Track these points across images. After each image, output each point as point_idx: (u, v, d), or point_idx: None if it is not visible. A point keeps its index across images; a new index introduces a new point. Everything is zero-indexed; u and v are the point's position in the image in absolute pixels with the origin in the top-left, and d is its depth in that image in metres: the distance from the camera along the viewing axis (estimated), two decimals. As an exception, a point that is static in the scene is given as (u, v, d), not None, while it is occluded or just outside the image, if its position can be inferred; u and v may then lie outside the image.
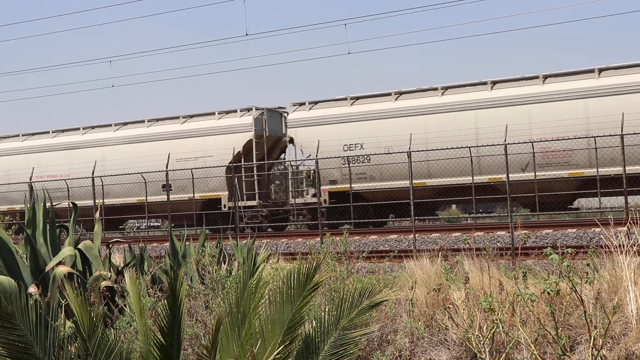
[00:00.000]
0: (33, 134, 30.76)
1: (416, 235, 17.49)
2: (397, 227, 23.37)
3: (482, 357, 6.79)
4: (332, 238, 10.03)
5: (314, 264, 4.34)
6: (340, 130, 23.83)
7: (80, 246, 7.75)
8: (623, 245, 7.97)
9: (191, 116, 27.32)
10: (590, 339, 6.28)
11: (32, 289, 6.77)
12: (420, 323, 7.78)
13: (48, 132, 30.28)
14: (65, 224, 8.29)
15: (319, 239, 17.88)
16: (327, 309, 4.52)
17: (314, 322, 4.43)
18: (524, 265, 9.66)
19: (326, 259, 8.57)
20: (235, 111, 26.38)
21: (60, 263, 7.21)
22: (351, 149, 23.68)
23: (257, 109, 25.95)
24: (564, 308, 7.03)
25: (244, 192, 25.06)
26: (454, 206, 33.82)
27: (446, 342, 7.58)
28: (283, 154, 27.81)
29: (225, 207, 25.25)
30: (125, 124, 28.88)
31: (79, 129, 29.53)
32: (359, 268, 9.99)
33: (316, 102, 25.27)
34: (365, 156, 23.11)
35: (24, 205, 24.18)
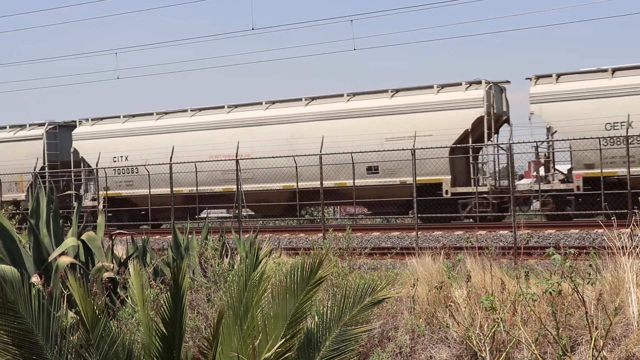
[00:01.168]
0: (203, 110, 26.96)
1: (419, 232, 17.48)
2: (399, 224, 23.35)
3: (483, 355, 6.79)
4: (335, 234, 10.02)
5: (318, 259, 4.34)
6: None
7: (83, 237, 7.77)
8: (626, 247, 7.97)
9: (398, 90, 23.92)
10: (591, 339, 6.28)
11: (35, 279, 6.79)
12: (421, 320, 7.79)
13: (223, 107, 26.31)
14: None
15: (321, 234, 17.89)
16: (329, 305, 4.53)
17: (316, 317, 4.43)
18: (526, 264, 9.67)
19: (329, 254, 8.58)
20: (459, 84, 23.28)
21: (63, 253, 7.23)
22: (615, 127, 20.22)
23: (486, 82, 22.96)
24: (565, 308, 7.03)
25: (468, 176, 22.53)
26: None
27: (447, 340, 7.59)
28: (496, 134, 24.29)
29: (447, 193, 22.29)
30: (313, 98, 25.19)
31: (261, 103, 25.78)
32: (361, 264, 10.00)
33: (565, 74, 21.80)
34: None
35: (192, 188, 24.07)
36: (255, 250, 4.59)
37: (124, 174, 26.81)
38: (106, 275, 7.33)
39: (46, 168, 27.84)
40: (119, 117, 27.92)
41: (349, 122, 23.55)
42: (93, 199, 26.72)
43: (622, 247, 7.98)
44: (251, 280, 4.28)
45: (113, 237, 8.53)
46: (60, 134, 29.37)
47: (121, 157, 26.94)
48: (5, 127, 30.03)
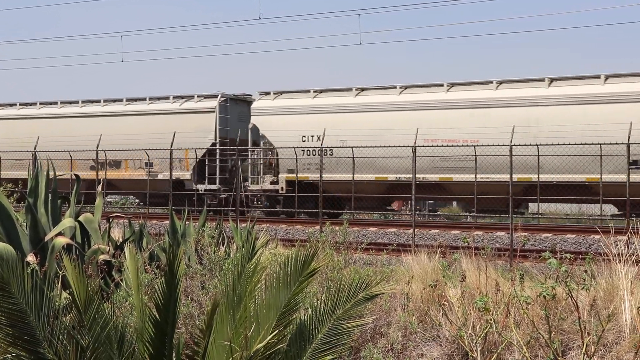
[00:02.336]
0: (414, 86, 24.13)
1: (415, 230, 17.50)
2: (396, 221, 23.38)
3: (474, 355, 6.80)
4: (332, 227, 10.03)
5: (312, 251, 4.34)
6: None
7: (80, 218, 7.77)
8: (622, 254, 7.98)
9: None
10: (583, 345, 6.29)
11: (30, 258, 6.79)
12: (414, 318, 7.80)
13: (442, 85, 23.44)
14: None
15: (318, 227, 17.89)
16: (322, 298, 4.53)
17: (309, 310, 4.44)
18: (522, 267, 9.68)
19: (324, 247, 8.58)
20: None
21: (59, 234, 7.22)
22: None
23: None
24: (558, 313, 7.04)
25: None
26: (454, 203, 33.42)
27: (439, 339, 7.60)
28: None
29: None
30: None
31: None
32: (357, 259, 10.00)
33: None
34: None
35: (399, 175, 21.94)
36: (252, 240, 4.58)
37: (313, 155, 23.52)
38: (102, 257, 7.32)
39: (217, 144, 25.65)
40: (308, 91, 24.93)
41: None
42: (272, 182, 24.58)
43: (618, 254, 7.98)
44: (246, 270, 4.28)
45: (110, 220, 8.51)
46: (230, 108, 26.70)
47: (312, 136, 23.78)
48: (168, 98, 27.41)
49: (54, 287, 6.02)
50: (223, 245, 8.49)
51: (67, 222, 7.44)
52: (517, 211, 21.47)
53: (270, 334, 4.07)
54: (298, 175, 23.78)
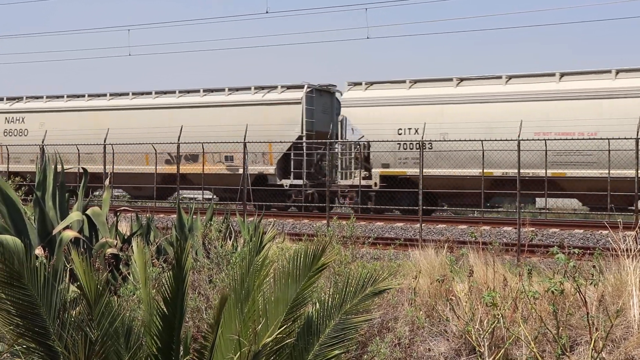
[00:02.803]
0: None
1: (422, 225, 17.48)
2: (403, 216, 23.36)
3: (481, 350, 6.80)
4: (339, 222, 10.02)
5: (321, 246, 4.34)
6: None
7: (88, 212, 7.78)
8: (630, 250, 7.95)
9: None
10: (591, 340, 6.28)
11: (39, 251, 6.81)
12: (421, 313, 7.79)
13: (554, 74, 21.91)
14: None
15: (325, 221, 17.90)
16: (330, 292, 4.53)
17: (317, 304, 4.44)
18: (529, 262, 9.65)
19: (332, 242, 8.57)
20: None
21: (67, 227, 7.24)
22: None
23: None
24: (566, 308, 7.02)
25: None
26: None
27: (446, 334, 7.59)
28: None
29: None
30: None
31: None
32: (364, 253, 10.00)
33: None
34: None
35: (506, 170, 20.71)
36: (260, 234, 4.58)
37: (410, 149, 22.42)
38: (109, 251, 7.34)
39: (304, 138, 24.52)
40: (403, 81, 23.59)
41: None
42: (365, 177, 23.41)
43: (627, 250, 7.96)
44: (254, 264, 4.28)
45: (118, 214, 8.53)
46: (315, 99, 25.57)
47: (409, 129, 22.61)
48: (249, 89, 26.12)
49: (62, 281, 6.04)
50: (230, 240, 8.50)
51: (74, 215, 7.45)
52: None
53: (278, 329, 4.07)
54: (393, 169, 22.76)
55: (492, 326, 6.84)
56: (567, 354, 6.47)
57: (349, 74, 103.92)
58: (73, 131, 26.90)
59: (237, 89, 26.67)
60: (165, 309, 3.96)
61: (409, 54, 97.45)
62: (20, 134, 29.96)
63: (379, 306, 7.58)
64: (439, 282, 7.74)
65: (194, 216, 8.95)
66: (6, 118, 30.32)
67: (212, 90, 27.11)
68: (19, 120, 30.19)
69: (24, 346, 3.92)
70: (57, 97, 29.92)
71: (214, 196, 27.68)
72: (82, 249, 7.27)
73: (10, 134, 30.20)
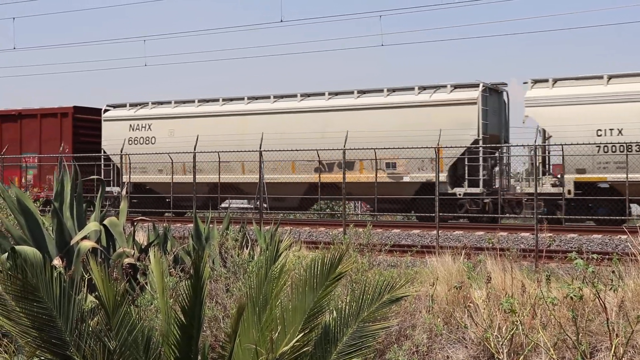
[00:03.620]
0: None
1: (439, 232, 17.42)
2: (420, 223, 23.26)
3: (500, 357, 6.75)
4: (356, 229, 10.01)
5: (339, 254, 4.33)
6: None
7: (105, 222, 7.82)
8: (650, 254, 7.88)
9: None
10: (611, 347, 6.22)
11: (57, 262, 6.84)
12: (439, 320, 7.76)
13: None
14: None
15: (341, 229, 17.88)
16: (347, 300, 4.52)
17: (334, 312, 4.43)
18: (547, 268, 9.59)
19: (349, 250, 8.56)
20: None
21: (85, 238, 7.28)
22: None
23: None
24: (586, 314, 6.97)
25: None
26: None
27: (464, 341, 7.55)
28: None
29: None
30: None
31: None
32: (381, 261, 9.98)
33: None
34: None
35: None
36: (276, 243, 4.58)
37: (612, 152, 20.16)
38: (127, 261, 7.37)
39: (480, 142, 22.17)
40: (599, 77, 21.45)
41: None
42: (554, 185, 21.40)
43: (646, 255, 7.89)
44: (271, 272, 4.27)
45: (135, 224, 8.56)
46: (489, 99, 23.31)
47: (610, 130, 20.40)
48: (412, 89, 23.79)
49: (80, 291, 6.06)
50: (247, 248, 8.51)
51: (92, 225, 7.49)
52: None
53: (296, 337, 4.06)
54: (591, 175, 20.56)
55: (511, 333, 6.80)
56: (587, 360, 6.41)
57: (364, 81, 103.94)
58: (207, 138, 24.31)
59: (398, 90, 24.24)
60: (183, 319, 3.96)
61: (423, 60, 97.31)
62: (147, 141, 27.40)
63: (397, 314, 7.56)
64: (457, 288, 7.70)
65: (211, 225, 8.97)
66: (130, 125, 27.79)
67: (365, 92, 24.65)
68: (144, 127, 27.65)
69: (42, 357, 3.93)
70: (186, 102, 27.62)
71: (367, 207, 26.43)
72: (100, 259, 7.31)
73: (135, 142, 27.54)
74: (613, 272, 7.48)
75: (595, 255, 7.13)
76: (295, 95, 25.70)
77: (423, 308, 8.07)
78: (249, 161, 23.47)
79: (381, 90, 24.20)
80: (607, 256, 10.56)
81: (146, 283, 6.95)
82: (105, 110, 28.60)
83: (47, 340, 3.87)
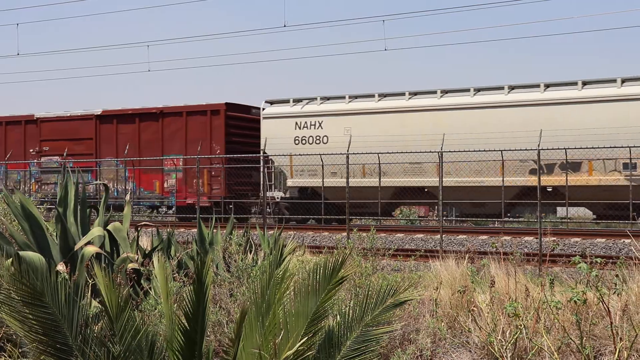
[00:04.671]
0: None
1: (443, 235, 17.41)
2: (424, 227, 23.29)
3: (504, 362, 6.74)
4: (359, 234, 10.01)
5: (340, 258, 4.34)
6: None
7: (109, 227, 7.83)
8: (654, 258, 7.87)
9: None
10: (615, 351, 6.21)
11: (61, 267, 6.86)
12: (443, 324, 7.75)
13: None
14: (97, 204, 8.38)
15: (345, 233, 17.88)
16: (351, 305, 4.52)
17: (337, 316, 4.44)
18: (551, 272, 9.59)
19: (352, 254, 8.57)
20: None
21: (89, 243, 7.29)
22: None
23: None
24: (590, 318, 6.96)
25: None
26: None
27: (468, 345, 7.54)
28: None
29: None
30: None
31: None
32: (384, 265, 9.98)
33: None
34: None
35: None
36: (280, 247, 4.59)
37: None
38: (131, 266, 7.38)
39: None
40: None
41: None
42: None
43: (650, 258, 7.88)
44: (274, 277, 4.28)
45: (139, 229, 8.58)
46: None
47: None
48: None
49: (84, 296, 6.08)
50: (251, 253, 8.52)
51: (96, 231, 7.50)
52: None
53: (299, 341, 4.07)
54: None
55: (515, 337, 6.79)
56: (591, 364, 6.40)
57: (367, 85, 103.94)
58: (389, 136, 22.08)
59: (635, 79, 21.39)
60: (186, 324, 3.97)
61: (427, 65, 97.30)
62: (318, 141, 24.45)
63: (400, 318, 7.56)
64: (461, 293, 7.70)
65: (214, 230, 8.99)
66: (297, 123, 24.86)
67: (587, 83, 21.71)
68: (314, 125, 24.62)
69: (47, 362, 3.95)
70: (364, 96, 24.50)
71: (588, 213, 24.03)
72: (104, 264, 7.32)
73: (303, 141, 24.63)
74: (617, 275, 7.48)
75: (598, 259, 7.13)
76: (501, 88, 22.50)
77: (427, 312, 8.07)
78: (448, 162, 20.36)
79: (613, 81, 21.12)
80: (610, 260, 10.56)
81: (150, 288, 6.96)
82: (264, 108, 25.79)
83: (51, 345, 3.89)
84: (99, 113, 28.04)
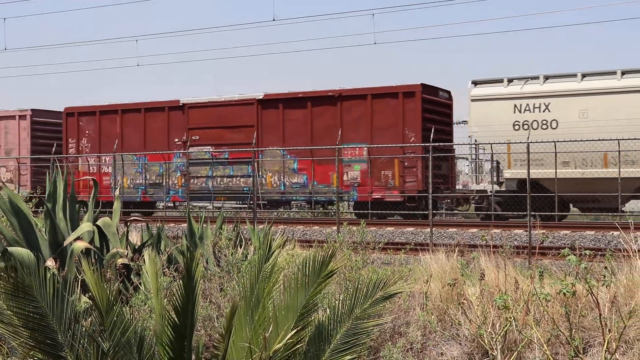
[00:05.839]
0: None
1: (433, 229, 17.44)
2: (414, 220, 23.30)
3: (494, 354, 6.77)
4: (349, 227, 10.02)
5: (330, 252, 4.35)
6: None
7: (98, 223, 7.81)
8: (642, 250, 7.92)
9: None
10: (604, 342, 6.25)
11: (50, 263, 6.84)
12: (433, 317, 7.78)
13: None
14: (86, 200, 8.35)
15: (335, 227, 17.89)
16: (341, 298, 4.53)
17: (327, 310, 4.44)
18: (541, 264, 9.62)
19: (342, 248, 8.58)
20: None
21: (78, 238, 7.27)
22: None
23: None
24: (579, 310, 7.00)
25: None
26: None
27: (458, 337, 7.57)
28: None
29: None
30: None
31: None
32: (375, 259, 10.00)
33: None
34: None
35: None
36: (268, 242, 4.59)
37: None
38: (120, 261, 7.36)
39: None
40: None
41: None
42: None
43: (638, 250, 7.93)
44: (263, 271, 4.28)
45: (128, 224, 8.55)
46: None
47: None
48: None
49: (74, 292, 6.06)
50: (241, 247, 8.51)
51: (85, 226, 7.48)
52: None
53: (289, 335, 4.07)
54: None
55: (505, 329, 6.82)
56: (581, 355, 6.44)
57: (357, 79, 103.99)
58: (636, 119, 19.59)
59: (605, 74, 20.86)
60: (176, 319, 3.97)
61: (416, 58, 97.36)
62: (544, 126, 21.32)
63: (391, 311, 7.58)
64: (451, 286, 7.72)
65: (204, 225, 8.98)
66: (516, 106, 21.73)
67: None
68: (538, 107, 21.43)
69: (36, 358, 3.94)
70: (601, 74, 21.38)
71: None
72: (93, 260, 7.30)
73: (525, 126, 21.50)
74: (605, 268, 7.52)
75: (587, 252, 7.16)
76: None
77: (417, 305, 8.09)
78: None
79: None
80: (599, 252, 10.61)
81: (140, 283, 6.95)
82: (470, 89, 22.87)
83: (40, 341, 3.88)
84: (260, 97, 24.64)
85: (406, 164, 22.33)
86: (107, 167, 27.12)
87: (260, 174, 23.72)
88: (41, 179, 27.35)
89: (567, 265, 7.06)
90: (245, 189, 24.53)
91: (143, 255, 7.11)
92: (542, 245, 12.25)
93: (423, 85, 22.72)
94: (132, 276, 7.29)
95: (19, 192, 27.98)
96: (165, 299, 4.93)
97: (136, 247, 8.01)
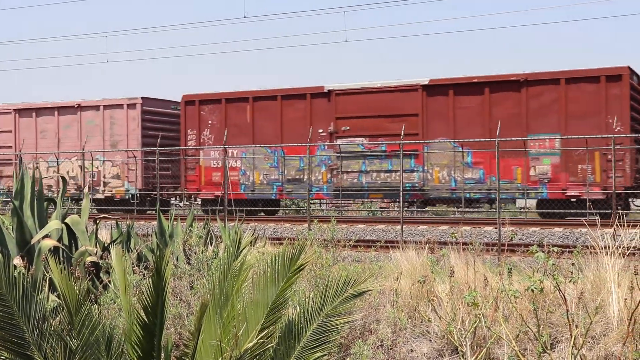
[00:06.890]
0: None
1: (404, 226, 17.52)
2: (385, 217, 23.39)
3: (463, 350, 6.83)
4: (320, 225, 10.02)
5: (299, 247, 4.35)
6: None
7: (67, 220, 7.73)
8: (608, 247, 8.03)
9: None
10: (571, 337, 6.33)
11: (17, 261, 6.76)
12: (403, 314, 7.82)
13: None
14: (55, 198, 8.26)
15: (306, 225, 17.90)
16: (311, 296, 4.54)
17: (297, 307, 4.45)
18: (510, 261, 9.72)
19: (313, 245, 8.58)
20: None
21: (46, 236, 7.19)
22: None
23: None
24: (546, 306, 7.08)
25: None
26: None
27: (428, 334, 7.62)
28: None
29: None
30: None
31: None
32: (345, 256, 10.01)
33: None
34: None
35: None
36: (237, 239, 4.58)
37: None
38: (89, 259, 7.30)
39: None
40: None
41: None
42: None
43: (605, 247, 8.03)
44: (232, 269, 4.27)
45: (97, 222, 8.48)
46: None
47: None
48: None
49: (42, 290, 6.00)
50: (211, 245, 8.48)
51: (53, 224, 7.40)
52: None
53: (259, 333, 4.07)
54: None
55: (474, 326, 6.88)
56: (548, 351, 6.52)
57: (328, 76, 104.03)
58: None
59: None
60: (145, 318, 3.94)
61: (388, 56, 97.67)
62: None
63: (361, 308, 7.60)
64: (421, 283, 7.77)
65: (174, 222, 8.92)
66: None
67: None
68: None
69: (2, 357, 3.89)
70: None
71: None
72: (62, 258, 7.23)
73: None
74: (573, 264, 7.62)
75: (555, 249, 7.25)
76: None
77: (387, 302, 8.13)
78: None
79: None
80: (568, 249, 10.73)
81: (109, 281, 6.89)
82: None
83: (8, 339, 3.83)
84: (426, 82, 22.18)
85: (609, 157, 19.03)
86: (236, 161, 24.40)
87: (425, 168, 21.92)
88: (151, 174, 25.01)
89: (536, 262, 7.14)
90: (407, 185, 21.71)
91: (112, 253, 7.05)
92: (511, 242, 12.37)
93: (630, 68, 20.29)
94: (101, 274, 7.23)
95: (127, 189, 25.79)
96: (135, 297, 4.90)
97: (105, 245, 7.95)
